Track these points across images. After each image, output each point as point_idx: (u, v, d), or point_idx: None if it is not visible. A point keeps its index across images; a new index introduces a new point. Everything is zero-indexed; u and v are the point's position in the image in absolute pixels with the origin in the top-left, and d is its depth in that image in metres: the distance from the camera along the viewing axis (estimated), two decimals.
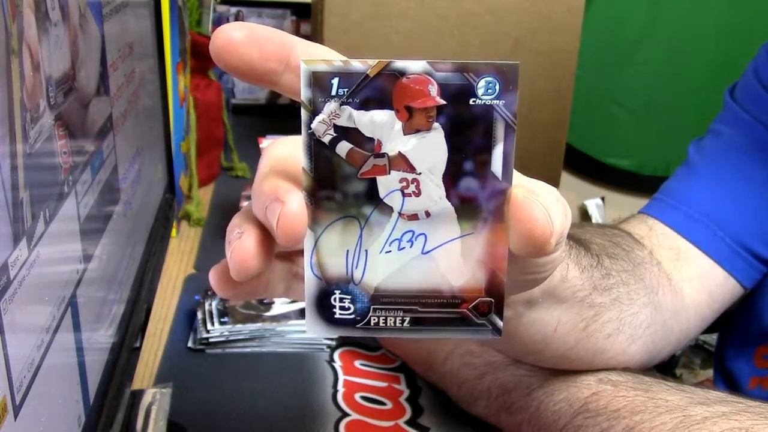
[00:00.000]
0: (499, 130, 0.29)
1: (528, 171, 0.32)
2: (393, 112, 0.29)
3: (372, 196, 0.31)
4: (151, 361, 0.65)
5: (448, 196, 0.31)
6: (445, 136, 0.30)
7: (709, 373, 1.00)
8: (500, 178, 0.30)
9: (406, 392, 0.62)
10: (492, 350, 0.55)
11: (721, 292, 0.62)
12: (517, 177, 0.31)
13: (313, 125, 0.29)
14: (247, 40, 0.28)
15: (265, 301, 0.69)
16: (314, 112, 0.29)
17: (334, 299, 0.32)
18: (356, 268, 0.32)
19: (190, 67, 0.97)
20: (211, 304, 0.67)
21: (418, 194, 0.31)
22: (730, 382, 0.69)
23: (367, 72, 0.29)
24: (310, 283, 0.32)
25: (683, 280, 0.60)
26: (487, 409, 0.55)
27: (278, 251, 0.34)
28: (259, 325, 0.65)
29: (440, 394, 0.61)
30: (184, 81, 0.91)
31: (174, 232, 0.87)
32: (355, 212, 0.31)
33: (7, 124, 0.29)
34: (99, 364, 0.46)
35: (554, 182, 1.08)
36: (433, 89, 0.29)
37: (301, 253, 0.32)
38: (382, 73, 0.29)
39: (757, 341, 0.66)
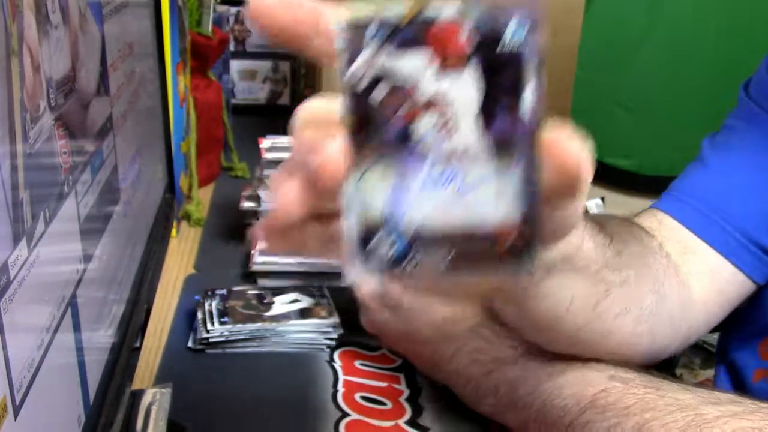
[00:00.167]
0: (530, 69, 0.31)
1: None
2: (426, 56, 0.31)
3: (409, 139, 0.32)
4: (151, 361, 0.65)
5: (481, 136, 0.32)
6: (478, 77, 0.31)
7: (709, 373, 1.00)
8: (532, 116, 0.32)
9: (406, 392, 0.62)
10: (500, 345, 0.55)
11: (730, 288, 0.62)
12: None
13: (348, 73, 0.31)
14: (282, 3, 0.31)
15: (265, 301, 0.69)
16: (350, 60, 0.30)
17: (375, 243, 0.33)
18: (396, 210, 0.33)
19: (190, 67, 0.97)
20: (211, 304, 0.67)
21: (452, 135, 0.32)
22: (734, 375, 0.69)
23: (401, 18, 0.30)
24: (350, 227, 0.33)
25: (691, 275, 0.60)
26: (494, 406, 0.54)
27: (314, 212, 0.36)
28: (259, 325, 0.65)
29: (440, 394, 0.61)
30: (184, 81, 0.91)
31: (174, 232, 0.87)
32: (392, 156, 0.33)
33: (7, 124, 0.29)
34: (99, 364, 0.46)
35: None
36: (465, 32, 0.30)
37: (336, 214, 0.33)
38: (415, 19, 0.30)
39: (762, 333, 0.66)
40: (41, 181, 0.34)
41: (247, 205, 0.80)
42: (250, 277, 0.78)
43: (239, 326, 0.65)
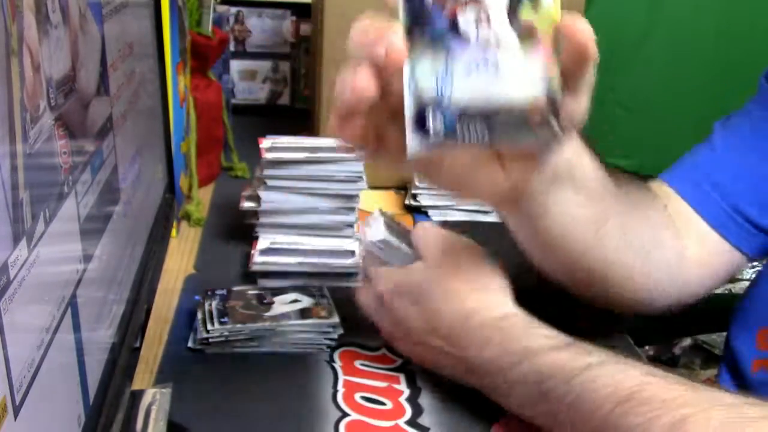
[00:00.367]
0: None
1: None
2: None
3: (454, 29, 0.41)
4: (151, 361, 0.65)
5: (510, 24, 0.41)
6: None
7: (710, 373, 1.00)
8: (550, 4, 0.41)
9: (406, 392, 0.62)
10: (528, 335, 0.54)
11: (719, 259, 0.66)
12: None
13: None
14: None
15: (265, 301, 0.69)
16: None
17: (429, 117, 0.41)
18: (445, 89, 0.41)
19: (190, 67, 0.97)
20: (211, 304, 0.67)
21: (488, 25, 0.41)
22: (734, 368, 0.69)
23: None
24: (409, 104, 0.41)
25: (684, 238, 0.65)
26: (520, 398, 0.54)
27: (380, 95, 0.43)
28: (259, 325, 0.65)
29: (440, 394, 0.61)
30: (184, 81, 0.91)
31: (174, 232, 0.87)
32: (441, 43, 0.41)
33: (7, 124, 0.29)
34: (99, 364, 0.46)
35: None
36: None
37: (395, 98, 0.42)
38: None
39: (760, 322, 0.67)
40: (41, 181, 0.34)
41: (247, 205, 0.80)
42: (250, 277, 0.78)
43: (239, 326, 0.65)
